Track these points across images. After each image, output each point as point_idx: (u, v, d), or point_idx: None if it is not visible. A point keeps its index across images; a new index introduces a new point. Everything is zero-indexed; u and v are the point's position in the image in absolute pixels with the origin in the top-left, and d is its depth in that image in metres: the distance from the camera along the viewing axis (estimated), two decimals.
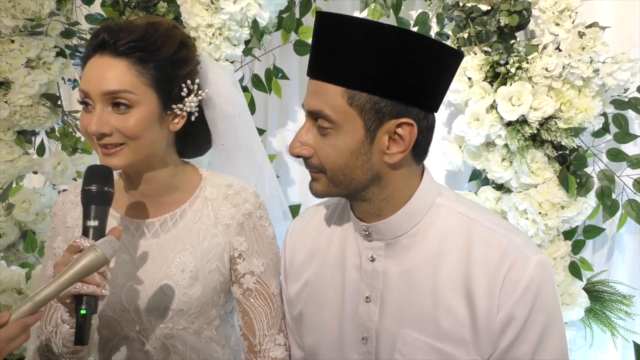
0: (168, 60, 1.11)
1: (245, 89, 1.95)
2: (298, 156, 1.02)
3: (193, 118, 1.18)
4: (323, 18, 0.98)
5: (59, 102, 2.02)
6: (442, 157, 1.94)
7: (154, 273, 1.17)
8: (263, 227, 1.23)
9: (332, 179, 1.00)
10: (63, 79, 2.07)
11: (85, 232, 1.00)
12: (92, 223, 1.00)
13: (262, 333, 1.20)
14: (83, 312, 0.96)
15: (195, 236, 1.18)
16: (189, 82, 1.15)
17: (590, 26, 1.74)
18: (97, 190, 1.02)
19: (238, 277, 1.21)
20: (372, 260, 1.06)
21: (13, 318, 0.86)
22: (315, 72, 0.99)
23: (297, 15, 1.92)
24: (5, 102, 1.92)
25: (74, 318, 0.99)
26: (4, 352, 0.85)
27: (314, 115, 0.99)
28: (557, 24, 1.74)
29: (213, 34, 1.80)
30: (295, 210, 2.01)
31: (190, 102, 1.16)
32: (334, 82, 0.96)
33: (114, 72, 1.06)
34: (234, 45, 1.84)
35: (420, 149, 1.02)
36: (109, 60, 1.07)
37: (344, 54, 0.94)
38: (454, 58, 1.01)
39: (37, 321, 0.89)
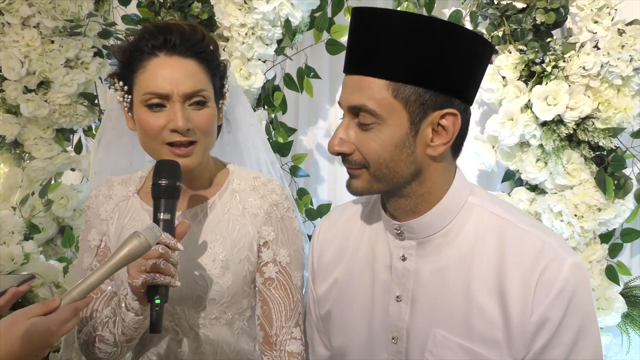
0: (218, 60, 1.19)
1: (277, 88, 1.97)
2: (338, 154, 1.01)
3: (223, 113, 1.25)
4: (360, 13, 0.98)
5: (96, 101, 2.07)
6: (474, 157, 1.91)
7: (185, 263, 1.19)
8: (290, 218, 1.25)
9: (376, 173, 0.99)
10: (100, 78, 2.12)
11: (156, 224, 1.03)
12: (164, 216, 1.04)
13: (280, 324, 1.20)
14: (158, 301, 1.01)
15: (225, 227, 1.21)
16: (227, 79, 1.23)
17: (630, 23, 1.70)
18: (167, 184, 1.06)
19: (260, 265, 1.22)
20: (404, 259, 1.06)
21: (64, 303, 0.90)
22: (356, 67, 0.98)
23: (329, 15, 1.93)
24: (45, 101, 1.97)
25: (144, 306, 1.04)
26: (58, 334, 0.89)
27: (354, 111, 0.98)
28: (596, 22, 1.70)
29: (246, 34, 1.82)
30: (325, 208, 2.01)
31: (228, 98, 1.24)
32: (377, 75, 0.95)
33: (191, 73, 1.12)
34: (267, 44, 1.86)
35: (459, 143, 1.02)
36: (179, 60, 1.12)
37: (387, 47, 0.94)
38: (489, 50, 1.02)
39: (87, 305, 0.93)
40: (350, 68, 0.99)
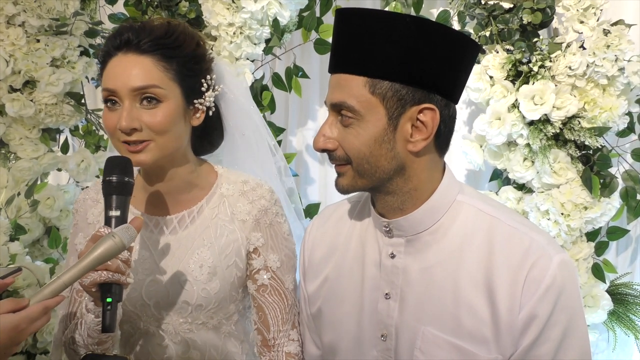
0: (189, 56, 1.15)
1: (265, 88, 1.96)
2: (323, 150, 1.03)
3: (210, 113, 1.21)
4: (342, 13, 1.01)
5: (83, 101, 2.05)
6: (462, 156, 1.92)
7: (172, 269, 1.18)
8: (279, 223, 1.24)
9: (358, 169, 1.01)
10: (87, 77, 2.10)
11: (107, 222, 1.02)
12: (114, 213, 1.02)
13: (277, 328, 1.21)
14: (109, 300, 0.98)
15: (213, 232, 1.20)
16: (208, 77, 1.19)
17: (615, 24, 1.72)
18: (117, 181, 1.04)
19: (252, 272, 1.22)
20: (392, 256, 1.06)
21: (34, 301, 0.89)
22: (337, 66, 1.01)
23: (318, 14, 1.93)
24: (31, 100, 1.95)
25: (100, 307, 1.01)
26: (26, 332, 0.87)
27: (336, 108, 1.01)
28: (582, 22, 1.72)
29: (234, 33, 1.81)
30: (314, 208, 2.01)
31: (210, 97, 1.19)
32: (355, 72, 0.97)
33: (141, 69, 1.09)
34: (255, 44, 1.85)
35: (442, 139, 1.03)
36: (134, 58, 1.10)
37: (364, 45, 0.97)
38: (472, 47, 1.02)
39: (57, 304, 0.91)
40: (333, 67, 1.03)
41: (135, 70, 1.09)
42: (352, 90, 0.98)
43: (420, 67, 0.96)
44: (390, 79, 0.96)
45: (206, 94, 1.18)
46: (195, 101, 1.17)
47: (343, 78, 0.99)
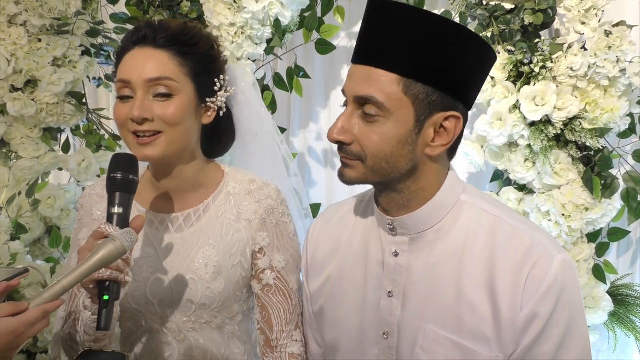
0: (205, 54, 1.17)
1: (266, 88, 1.96)
2: (337, 142, 1.00)
3: (221, 113, 1.22)
4: (379, 4, 0.97)
5: (84, 100, 2.06)
6: (463, 157, 1.92)
7: (177, 267, 1.18)
8: (285, 223, 1.24)
9: (374, 167, 0.99)
10: (88, 77, 2.11)
11: (109, 219, 1.02)
12: (117, 210, 1.02)
13: (280, 329, 1.21)
14: (106, 297, 0.97)
15: (219, 231, 1.20)
16: (221, 77, 1.21)
17: (617, 25, 1.72)
18: (122, 178, 1.04)
19: (258, 272, 1.22)
20: (396, 255, 1.06)
21: (34, 304, 0.88)
22: (367, 58, 0.97)
23: (319, 14, 1.92)
24: (32, 99, 1.96)
25: (97, 304, 1.00)
26: (25, 336, 0.86)
27: (361, 101, 0.97)
28: (583, 23, 1.72)
29: (235, 33, 1.82)
30: (315, 208, 2.01)
31: (222, 97, 1.21)
32: (389, 69, 0.95)
33: (156, 61, 1.11)
34: (256, 44, 1.85)
35: (455, 145, 1.03)
36: (150, 51, 1.12)
37: (402, 43, 0.94)
38: (494, 56, 1.03)
39: (57, 308, 0.90)
40: (360, 58, 0.99)
41: (151, 62, 1.11)
42: (382, 86, 0.95)
43: (453, 74, 0.95)
44: (425, 82, 0.94)
45: (219, 93, 1.20)
46: (207, 99, 1.19)
47: (374, 72, 0.95)
